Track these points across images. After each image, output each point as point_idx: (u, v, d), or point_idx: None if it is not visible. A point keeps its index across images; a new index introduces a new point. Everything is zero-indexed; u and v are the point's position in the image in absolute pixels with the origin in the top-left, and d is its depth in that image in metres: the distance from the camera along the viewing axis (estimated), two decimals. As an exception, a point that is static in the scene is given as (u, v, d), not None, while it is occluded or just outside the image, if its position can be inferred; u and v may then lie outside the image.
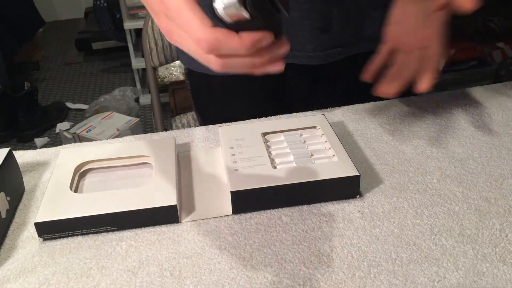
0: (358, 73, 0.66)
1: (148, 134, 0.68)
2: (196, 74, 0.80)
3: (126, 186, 0.56)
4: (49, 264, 0.47)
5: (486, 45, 2.29)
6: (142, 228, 0.51)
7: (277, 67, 0.40)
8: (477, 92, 0.75)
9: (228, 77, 0.76)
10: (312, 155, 0.57)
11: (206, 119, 0.86)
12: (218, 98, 0.82)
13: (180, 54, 0.83)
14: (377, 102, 0.73)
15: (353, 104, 0.73)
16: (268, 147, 0.59)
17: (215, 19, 0.37)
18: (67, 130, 2.05)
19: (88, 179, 0.58)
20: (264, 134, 0.61)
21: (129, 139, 0.67)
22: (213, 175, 0.59)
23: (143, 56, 1.99)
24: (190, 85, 0.86)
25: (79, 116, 2.48)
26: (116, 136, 1.93)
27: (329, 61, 0.74)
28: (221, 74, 0.74)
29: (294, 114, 0.71)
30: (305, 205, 0.53)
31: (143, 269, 0.46)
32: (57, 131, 2.34)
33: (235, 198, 0.52)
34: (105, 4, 2.65)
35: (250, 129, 0.62)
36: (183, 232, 0.51)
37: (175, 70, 2.36)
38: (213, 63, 0.39)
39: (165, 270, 0.46)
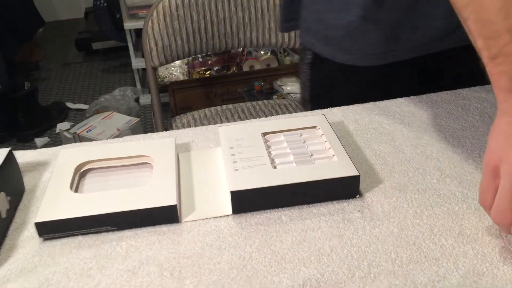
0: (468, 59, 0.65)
1: (148, 134, 0.68)
2: (330, 64, 0.82)
3: (126, 186, 0.56)
4: (49, 264, 0.47)
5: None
6: (142, 228, 0.51)
7: None
8: (477, 92, 0.75)
9: (372, 67, 0.80)
10: (312, 155, 0.57)
11: (323, 107, 0.86)
12: (349, 86, 0.85)
13: (312, 43, 0.84)
14: (377, 102, 0.73)
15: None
16: (268, 147, 0.59)
17: None
18: (67, 130, 2.05)
19: (88, 179, 0.58)
20: (264, 134, 0.61)
21: (129, 139, 0.67)
22: (213, 175, 0.59)
23: (143, 56, 2.00)
24: (311, 75, 0.88)
25: (79, 116, 2.47)
26: (116, 136, 1.93)
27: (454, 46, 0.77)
28: (366, 66, 0.79)
29: (294, 114, 0.71)
30: (305, 205, 0.53)
31: (143, 269, 0.46)
32: (57, 131, 2.33)
33: (235, 198, 0.52)
34: (105, 4, 2.65)
35: (250, 129, 0.62)
36: (183, 232, 0.51)
37: (175, 70, 2.36)
38: None
39: (165, 270, 0.46)
